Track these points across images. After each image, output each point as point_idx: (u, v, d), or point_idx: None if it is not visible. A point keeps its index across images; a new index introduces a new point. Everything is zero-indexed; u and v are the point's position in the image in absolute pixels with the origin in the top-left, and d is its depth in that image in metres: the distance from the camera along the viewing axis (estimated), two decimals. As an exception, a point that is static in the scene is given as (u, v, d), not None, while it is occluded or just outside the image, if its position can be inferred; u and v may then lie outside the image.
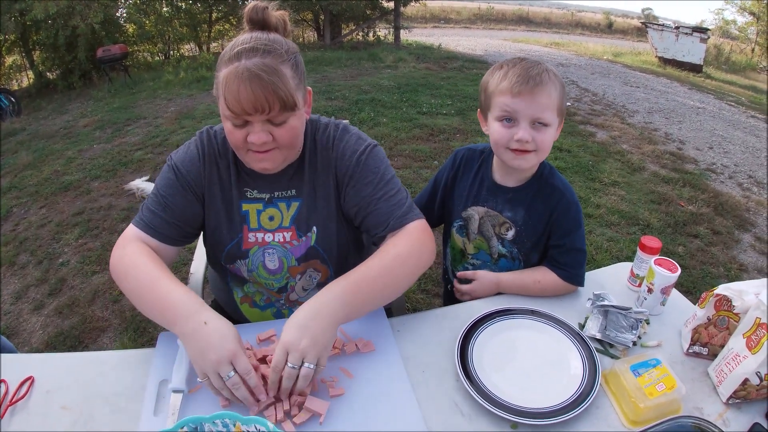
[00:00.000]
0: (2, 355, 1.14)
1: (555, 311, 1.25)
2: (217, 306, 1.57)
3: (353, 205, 1.26)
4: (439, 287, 2.89)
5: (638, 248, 1.34)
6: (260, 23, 1.15)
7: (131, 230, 1.21)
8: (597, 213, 3.76)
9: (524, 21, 26.04)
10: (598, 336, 1.17)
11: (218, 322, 0.98)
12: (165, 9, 12.00)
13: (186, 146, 1.29)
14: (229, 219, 1.28)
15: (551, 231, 1.36)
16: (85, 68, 10.20)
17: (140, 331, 2.72)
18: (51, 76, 11.06)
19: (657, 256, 1.27)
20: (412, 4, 14.23)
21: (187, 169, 1.24)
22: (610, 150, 5.19)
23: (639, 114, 6.88)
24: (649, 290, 1.25)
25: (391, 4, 13.14)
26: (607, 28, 25.48)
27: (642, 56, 13.65)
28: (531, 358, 1.14)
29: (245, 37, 1.10)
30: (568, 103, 7.22)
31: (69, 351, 2.62)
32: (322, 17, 13.14)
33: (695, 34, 12.25)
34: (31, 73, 11.76)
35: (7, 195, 4.80)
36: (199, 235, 1.35)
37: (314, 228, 1.28)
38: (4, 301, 3.20)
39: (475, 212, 1.44)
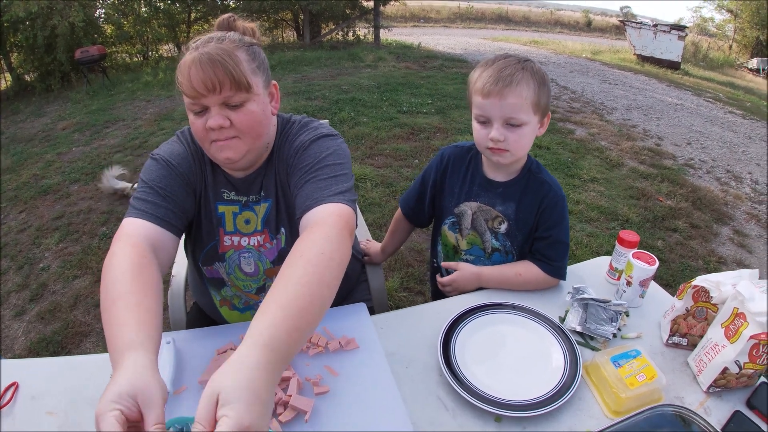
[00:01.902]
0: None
1: (536, 305, 1.27)
2: (198, 310, 1.57)
3: (292, 194, 1.19)
4: (422, 285, 2.90)
5: (617, 242, 1.36)
6: (228, 30, 1.18)
7: (127, 224, 1.09)
8: (577, 209, 3.80)
9: (504, 20, 26.18)
10: (579, 329, 1.19)
11: (119, 378, 0.74)
12: (143, 9, 11.85)
13: (169, 143, 1.27)
14: (207, 220, 1.28)
15: (537, 223, 1.38)
16: (65, 69, 10.05)
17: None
18: (29, 79, 10.88)
19: (635, 250, 1.30)
20: (392, 3, 14.22)
21: (178, 162, 1.21)
22: (589, 147, 5.25)
23: (617, 111, 6.96)
24: (628, 283, 1.27)
25: (371, 4, 13.12)
26: (586, 26, 25.72)
27: (620, 54, 13.79)
28: (513, 352, 1.16)
29: (204, 36, 1.13)
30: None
31: (51, 356, 2.58)
32: (301, 17, 13.08)
33: (673, 31, 12.42)
34: (8, 76, 11.55)
35: (-15, 200, 4.73)
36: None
37: (282, 229, 1.28)
38: None
39: (468, 208, 1.45)
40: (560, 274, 1.37)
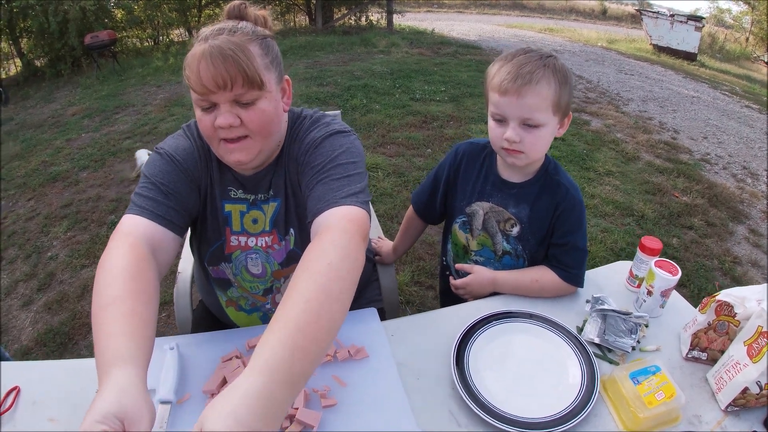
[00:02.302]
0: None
1: (553, 313, 1.22)
2: (204, 308, 1.53)
3: (303, 195, 1.14)
4: (433, 279, 2.87)
5: (638, 249, 1.31)
6: (238, 19, 1.11)
7: (126, 222, 1.04)
8: (591, 203, 3.74)
9: (518, 6, 25.83)
10: (597, 340, 1.15)
11: (105, 395, 0.71)
12: (155, -6, 11.81)
13: (174, 137, 1.22)
14: (213, 218, 1.23)
15: (554, 229, 1.32)
16: (76, 54, 10.05)
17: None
18: (39, 64, 10.88)
19: (657, 258, 1.25)
20: (406, -12, 14.06)
21: (183, 157, 1.16)
22: (605, 139, 5.16)
23: (634, 102, 6.84)
24: (649, 293, 1.23)
25: (385, -12, 12.99)
26: (602, 14, 25.33)
27: (636, 43, 13.57)
28: (529, 364, 1.11)
29: (215, 25, 1.06)
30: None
31: (59, 348, 2.59)
32: (313, 1, 12.97)
33: (690, 22, 12.19)
34: (18, 61, 11.56)
35: (-6, 187, 4.74)
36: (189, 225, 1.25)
37: (291, 230, 1.23)
38: None
39: (480, 208, 1.40)
40: (578, 282, 1.32)
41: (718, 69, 12.08)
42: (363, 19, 13.50)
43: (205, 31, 1.04)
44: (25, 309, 2.97)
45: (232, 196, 1.22)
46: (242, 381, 0.68)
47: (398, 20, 13.68)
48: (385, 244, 1.70)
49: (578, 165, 4.41)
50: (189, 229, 1.26)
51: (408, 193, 3.83)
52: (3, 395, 1.04)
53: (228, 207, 1.22)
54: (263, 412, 0.65)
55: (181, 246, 1.16)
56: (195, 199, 1.19)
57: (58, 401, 1.03)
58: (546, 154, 1.32)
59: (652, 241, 1.30)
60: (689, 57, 12.24)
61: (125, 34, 11.84)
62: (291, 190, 1.20)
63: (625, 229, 3.40)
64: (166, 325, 2.66)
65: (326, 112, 1.31)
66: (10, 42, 11.24)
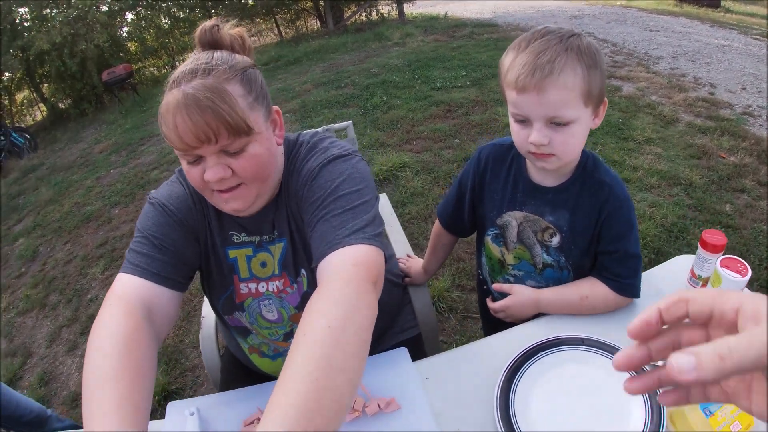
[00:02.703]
0: None
1: (607, 333, 1.07)
2: (230, 355, 1.45)
3: (308, 236, 1.01)
4: (475, 281, 2.72)
5: (699, 245, 1.13)
6: (211, 44, 0.99)
7: (120, 282, 0.97)
8: (635, 176, 3.51)
9: (530, -24, 25.22)
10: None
11: None
12: (164, 21, 11.96)
13: (168, 184, 1.12)
14: (218, 268, 1.14)
15: (599, 235, 1.15)
16: (98, 92, 10.28)
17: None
18: (63, 106, 11.19)
19: (722, 255, 1.08)
20: (414, -26, 13.81)
21: (176, 207, 1.07)
22: (639, 104, 4.86)
23: (664, 60, 6.48)
24: (715, 297, 1.06)
25: (392, -21, 12.80)
26: (618, -29, 24.53)
27: (657, -2, 13.05)
28: (584, 399, 0.97)
29: (187, 61, 0.94)
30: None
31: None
32: (322, 3, 12.88)
33: (709, -33, 11.63)
34: (43, 106, 11.93)
35: (32, 234, 4.88)
36: (193, 277, 1.15)
37: (302, 271, 1.11)
38: (39, 345, 3.24)
39: (512, 218, 1.23)
40: (634, 293, 1.15)
41: (744, 12, 11.39)
42: (374, 13, 13.34)
43: (176, 72, 0.92)
44: (71, 354, 3.01)
45: (235, 240, 1.12)
46: None
47: (409, 9, 13.45)
48: (415, 264, 1.56)
49: (615, 136, 4.16)
50: (198, 276, 1.17)
51: (440, 189, 3.69)
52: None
53: (233, 253, 1.13)
54: None
55: (180, 301, 1.06)
56: (194, 251, 1.09)
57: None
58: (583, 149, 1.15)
59: (714, 236, 1.11)
60: (713, 4, 11.64)
61: (142, 64, 12.06)
62: (295, 228, 1.09)
63: (674, 201, 3.17)
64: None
65: (326, 134, 1.19)
66: (32, 89, 11.60)
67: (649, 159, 3.76)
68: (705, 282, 1.13)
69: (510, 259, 1.29)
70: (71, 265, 4.03)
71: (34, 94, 11.83)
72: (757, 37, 7.86)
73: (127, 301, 0.93)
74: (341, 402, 0.67)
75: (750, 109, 4.64)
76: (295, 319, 1.16)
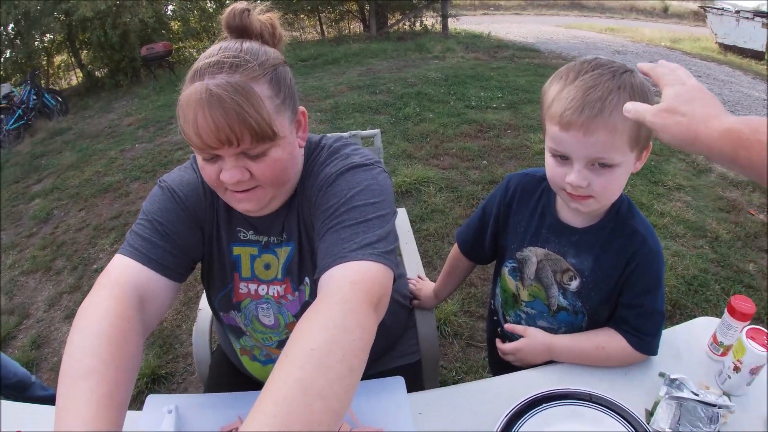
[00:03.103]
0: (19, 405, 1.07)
1: (617, 389, 1.01)
2: (221, 354, 1.39)
3: (316, 245, 0.96)
4: (484, 308, 2.64)
5: (726, 311, 1.04)
6: (240, 30, 0.93)
7: (116, 264, 0.92)
8: (661, 222, 3.41)
9: (577, 6, 25.14)
10: (669, 431, 0.92)
11: None
12: (209, 5, 12.07)
13: (181, 169, 1.08)
14: (219, 263, 1.08)
15: (624, 286, 1.07)
16: (136, 66, 10.38)
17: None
18: (99, 75, 11.32)
19: (749, 324, 1.01)
20: (460, -9, 13.84)
21: (185, 194, 1.02)
22: (674, 149, 4.75)
23: (703, 107, 6.39)
24: (736, 369, 0.98)
25: (439, -8, 12.81)
26: (663, 12, 24.31)
27: (701, 42, 12.84)
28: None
29: (213, 49, 0.88)
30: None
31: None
32: (367, 7, 12.94)
33: (756, 18, 11.37)
34: (79, 72, 12.09)
35: (49, 197, 4.90)
36: (194, 269, 1.10)
37: (306, 279, 1.05)
38: (37, 307, 3.24)
39: (533, 254, 1.16)
40: (652, 351, 1.07)
41: (787, 67, 11.26)
42: (417, 24, 13.37)
43: (201, 62, 0.86)
44: (67, 321, 2.99)
45: (242, 237, 1.07)
46: None
47: (453, 24, 13.45)
48: (426, 287, 1.48)
49: (646, 178, 4.06)
50: (196, 269, 1.11)
51: (461, 209, 3.61)
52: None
53: (237, 250, 1.07)
54: None
55: (176, 291, 1.01)
56: (197, 242, 1.04)
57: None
58: None
59: (743, 303, 1.03)
60: (757, 56, 11.40)
61: (182, 44, 12.16)
62: (305, 233, 1.04)
63: (697, 253, 3.07)
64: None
65: (351, 140, 1.13)
66: (71, 54, 11.76)
67: (678, 206, 3.66)
68: (726, 350, 1.05)
69: (524, 295, 1.22)
70: (82, 233, 4.04)
71: (72, 59, 11.98)
72: (798, 93, 7.71)
73: (121, 286, 0.87)
74: (314, 429, 0.61)
75: (786, 166, 4.51)
76: (291, 328, 1.10)
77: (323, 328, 0.70)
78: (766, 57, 11.45)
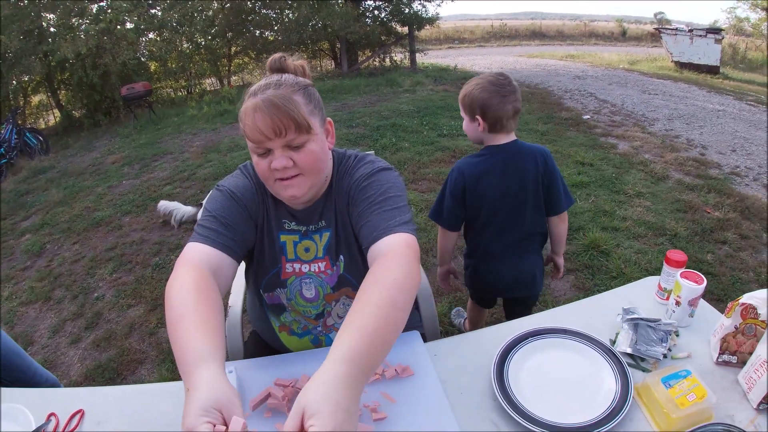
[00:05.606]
0: (51, 389, 1.21)
1: (587, 328, 1.28)
2: (256, 337, 1.64)
3: (355, 224, 1.28)
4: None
5: (664, 262, 1.36)
6: (279, 70, 1.27)
7: (189, 248, 1.18)
8: (623, 226, 3.74)
9: (538, 36, 26.01)
10: (629, 350, 1.19)
11: (199, 392, 0.81)
12: (185, 45, 12.31)
13: (233, 177, 1.36)
14: (270, 248, 1.35)
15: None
16: (117, 106, 10.53)
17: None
18: (77, 115, 11.40)
19: (683, 269, 1.30)
20: (426, 27, 14.33)
21: (242, 194, 1.30)
22: (633, 161, 5.16)
23: (659, 122, 6.83)
24: (677, 303, 1.27)
25: (406, 29, 13.27)
26: (621, 35, 25.27)
27: (658, 62, 13.53)
28: (566, 376, 1.17)
29: (262, 80, 1.21)
30: (587, 117, 7.14)
31: (108, 383, 2.68)
32: (338, 46, 13.32)
33: (709, 35, 12.06)
34: (57, 112, 12.13)
35: (40, 232, 4.95)
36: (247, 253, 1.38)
37: (341, 256, 1.35)
38: (41, 335, 3.27)
39: None
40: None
41: (742, 79, 11.88)
42: (387, 60, 13.80)
43: (253, 87, 1.18)
44: (74, 346, 3.08)
45: (286, 227, 1.35)
46: (331, 368, 0.81)
47: (421, 59, 13.93)
48: None
49: (608, 189, 4.42)
50: (244, 262, 1.41)
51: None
52: (68, 417, 1.15)
53: (283, 237, 1.35)
54: (351, 394, 0.79)
55: (236, 270, 1.27)
56: (251, 232, 1.32)
57: (119, 422, 1.14)
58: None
59: (677, 254, 1.34)
60: (712, 70, 12.10)
61: (160, 84, 12.36)
62: (341, 220, 1.33)
63: (659, 249, 3.39)
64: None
65: (366, 152, 1.43)
66: (48, 94, 11.83)
67: (638, 211, 4.01)
68: (669, 294, 1.35)
69: None
70: (79, 264, 4.12)
71: (50, 99, 12.05)
72: (752, 103, 8.21)
73: (197, 263, 1.14)
74: (397, 330, 0.93)
75: (738, 169, 4.92)
76: (328, 299, 1.38)
77: (399, 267, 1.02)
78: (720, 71, 12.10)
